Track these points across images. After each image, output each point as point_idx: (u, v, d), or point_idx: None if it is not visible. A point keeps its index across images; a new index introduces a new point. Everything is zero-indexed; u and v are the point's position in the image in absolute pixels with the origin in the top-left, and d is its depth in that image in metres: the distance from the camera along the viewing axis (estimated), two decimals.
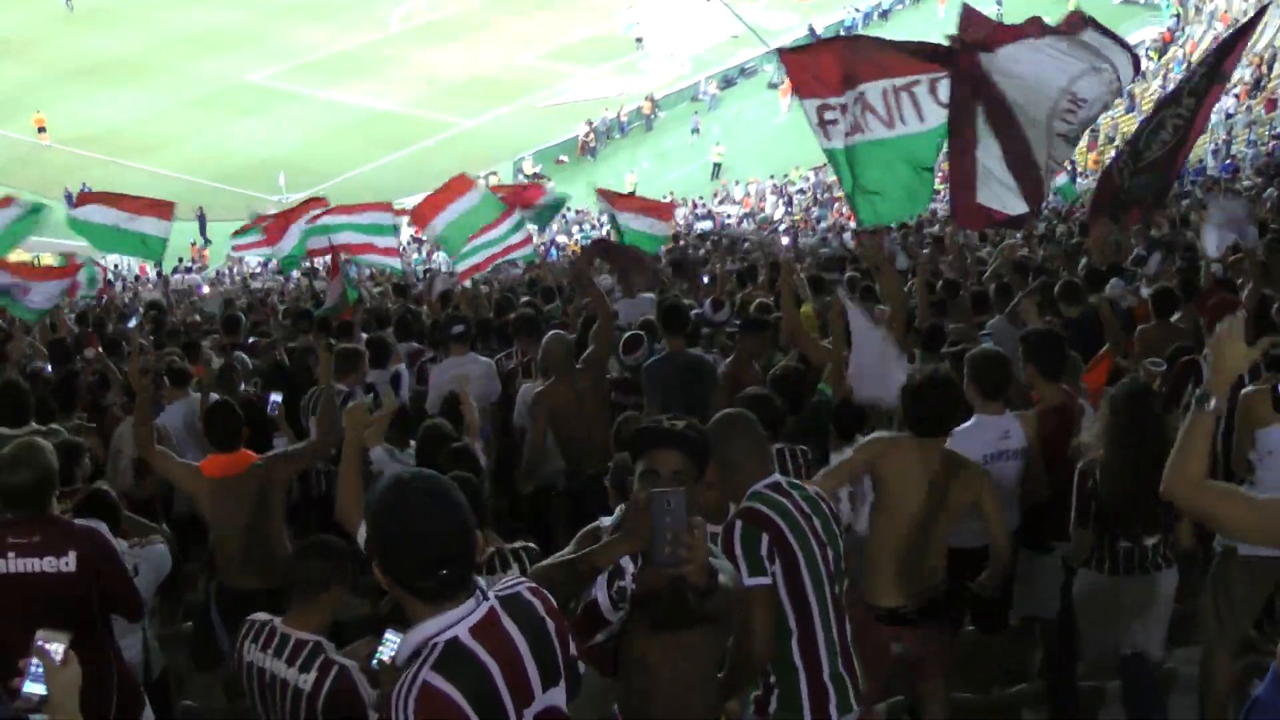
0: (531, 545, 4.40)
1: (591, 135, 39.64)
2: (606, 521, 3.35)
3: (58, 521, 4.15)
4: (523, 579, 2.63)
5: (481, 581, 2.42)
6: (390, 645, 3.26)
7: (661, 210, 13.45)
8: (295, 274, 17.61)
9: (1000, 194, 5.98)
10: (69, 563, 4.04)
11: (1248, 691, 3.26)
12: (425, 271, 21.07)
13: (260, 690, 3.65)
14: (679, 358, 6.99)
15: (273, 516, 5.38)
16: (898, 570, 4.23)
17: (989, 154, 5.92)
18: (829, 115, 6.16)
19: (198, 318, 16.06)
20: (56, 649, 2.26)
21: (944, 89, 5.90)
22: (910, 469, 4.26)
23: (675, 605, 2.75)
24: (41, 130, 38.10)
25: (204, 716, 5.32)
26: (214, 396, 6.83)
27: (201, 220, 32.77)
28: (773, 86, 41.17)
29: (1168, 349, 6.56)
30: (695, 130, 40.20)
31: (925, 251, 13.80)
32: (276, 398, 6.87)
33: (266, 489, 5.33)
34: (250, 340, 11.15)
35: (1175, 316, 7.69)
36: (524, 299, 12.76)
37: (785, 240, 21.21)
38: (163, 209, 11.68)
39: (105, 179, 30.00)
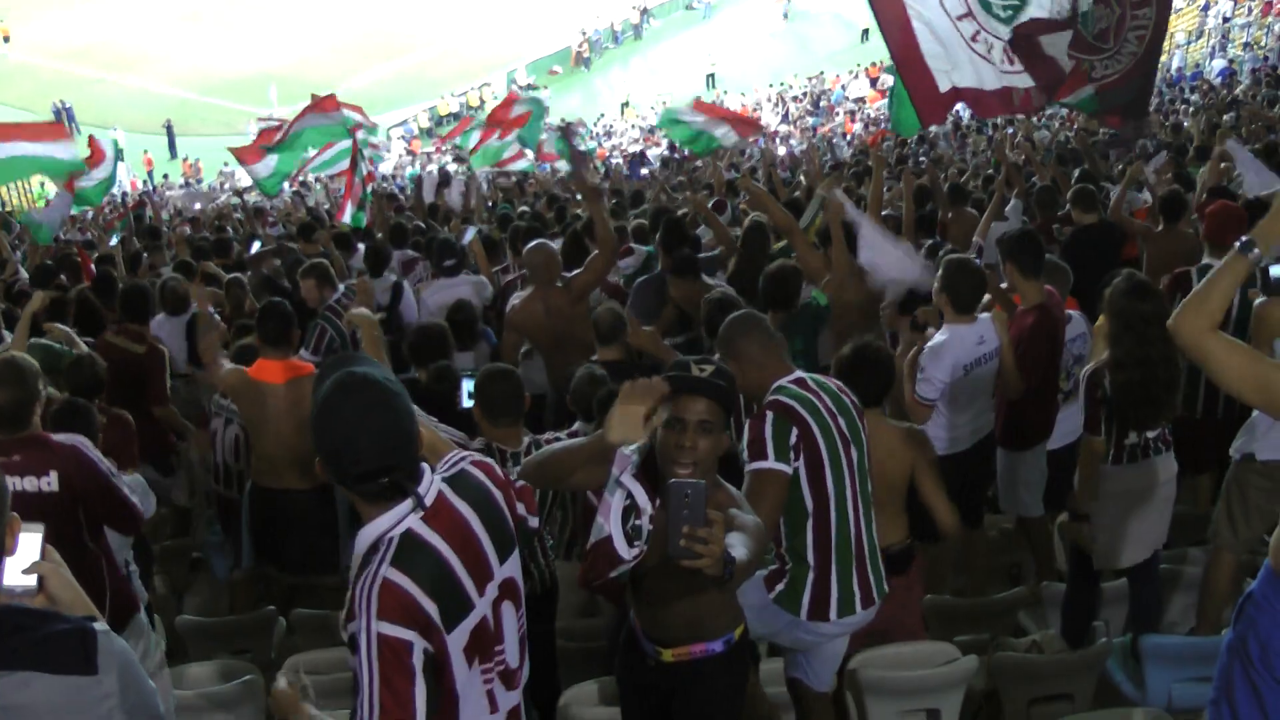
0: (548, 438, 4.33)
1: (585, 45, 39.07)
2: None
3: (38, 440, 4.04)
4: (466, 453, 2.63)
5: (426, 476, 2.42)
6: None
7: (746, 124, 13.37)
8: (286, 187, 17.41)
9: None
10: (50, 482, 3.96)
11: (1242, 588, 3.26)
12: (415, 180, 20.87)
13: None
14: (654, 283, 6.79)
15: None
16: None
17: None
18: None
19: (187, 230, 15.89)
20: (34, 538, 2.23)
21: None
22: None
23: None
24: (5, 40, 37.52)
25: (205, 628, 5.34)
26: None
27: (170, 134, 32.44)
28: None
29: (1173, 258, 6.51)
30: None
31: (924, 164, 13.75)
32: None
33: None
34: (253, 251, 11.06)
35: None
36: (522, 209, 12.69)
37: (782, 150, 21.05)
38: (56, 131, 11.56)
39: (91, 96, 29.63)
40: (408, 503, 2.36)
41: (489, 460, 2.62)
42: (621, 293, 7.19)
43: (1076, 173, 9.84)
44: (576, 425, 4.75)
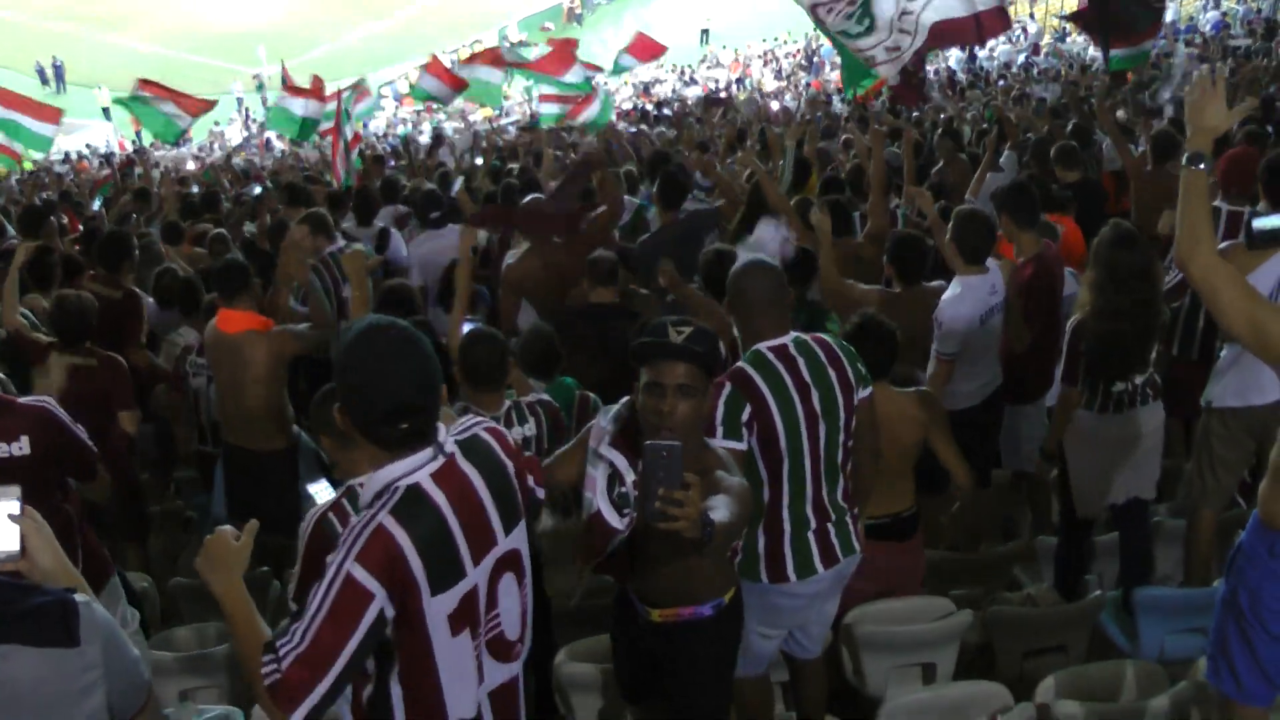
0: (547, 399, 4.32)
1: (578, 1, 38.73)
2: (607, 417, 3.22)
3: (5, 405, 4.02)
4: (479, 419, 2.60)
5: (442, 429, 2.39)
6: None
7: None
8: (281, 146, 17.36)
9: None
10: (22, 446, 3.94)
11: (1233, 541, 3.26)
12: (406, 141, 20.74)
13: None
14: (672, 230, 6.72)
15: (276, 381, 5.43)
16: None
17: None
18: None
19: (178, 188, 15.77)
20: (11, 503, 2.21)
21: None
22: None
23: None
24: None
25: (197, 589, 5.32)
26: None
27: None
28: None
29: (1163, 199, 6.43)
30: None
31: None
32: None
33: (268, 361, 5.36)
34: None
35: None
36: (510, 166, 12.59)
37: (776, 105, 20.88)
38: (49, 113, 11.77)
39: (76, 55, 29.32)
40: (424, 454, 2.32)
41: (501, 428, 2.59)
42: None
43: (1070, 125, 9.78)
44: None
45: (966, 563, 4.99)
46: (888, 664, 4.05)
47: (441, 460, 2.35)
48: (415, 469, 2.31)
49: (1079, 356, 4.51)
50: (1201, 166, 2.89)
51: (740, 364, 3.55)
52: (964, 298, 5.00)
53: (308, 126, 13.29)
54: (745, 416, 3.43)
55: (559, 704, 4.10)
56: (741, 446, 3.43)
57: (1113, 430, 4.59)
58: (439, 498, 2.31)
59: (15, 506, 2.19)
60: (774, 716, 3.89)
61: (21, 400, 4.10)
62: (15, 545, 2.18)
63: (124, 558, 5.91)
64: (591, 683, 3.88)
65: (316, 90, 13.29)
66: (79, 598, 2.15)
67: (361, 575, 2.18)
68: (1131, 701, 3.64)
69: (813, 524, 3.57)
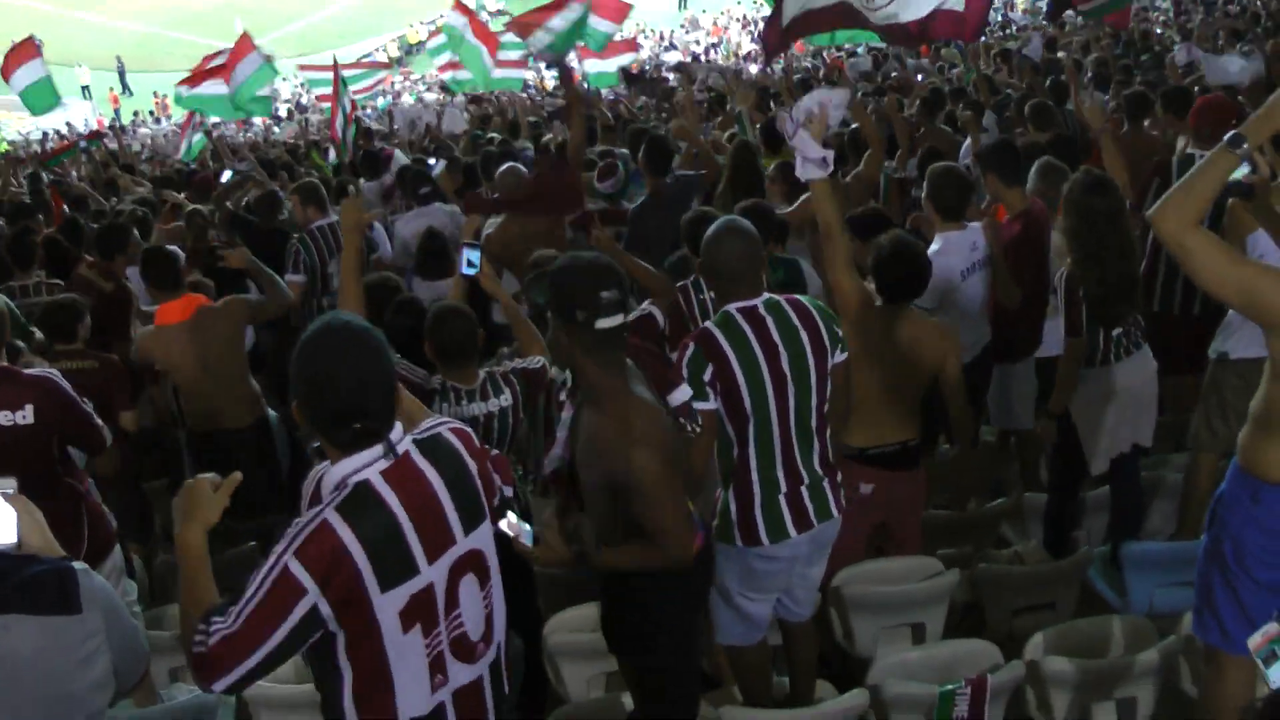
0: (526, 365, 4.29)
1: None
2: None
3: (9, 374, 4.08)
4: (444, 420, 2.57)
5: (398, 430, 2.38)
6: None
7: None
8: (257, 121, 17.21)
9: None
10: (26, 415, 4.00)
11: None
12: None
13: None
14: (663, 196, 6.66)
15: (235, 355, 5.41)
16: (869, 417, 4.17)
17: None
18: None
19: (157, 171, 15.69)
20: (6, 488, 2.20)
21: None
22: (882, 333, 4.15)
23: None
24: None
25: None
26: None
27: (120, 70, 31.88)
28: None
29: (1138, 158, 6.41)
30: None
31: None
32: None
33: (225, 331, 5.35)
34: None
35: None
36: (490, 135, 12.52)
37: (754, 69, 20.79)
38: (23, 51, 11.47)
39: (52, 34, 29.04)
40: (375, 450, 2.31)
41: (467, 429, 2.56)
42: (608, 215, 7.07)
43: (1049, 81, 9.75)
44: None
45: (955, 521, 4.99)
46: (877, 625, 4.05)
47: (394, 458, 2.33)
48: (365, 465, 2.30)
49: (1079, 305, 4.49)
50: (1239, 151, 2.76)
51: (706, 324, 3.57)
52: (945, 251, 5.00)
53: (243, 94, 12.85)
54: (708, 376, 3.43)
55: (549, 673, 4.10)
56: (710, 406, 3.45)
57: (1117, 379, 4.60)
58: (389, 495, 2.29)
59: (11, 486, 2.19)
60: (770, 680, 3.89)
61: (27, 371, 4.17)
62: (13, 539, 2.16)
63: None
64: (580, 651, 3.88)
65: (240, 52, 12.67)
66: (76, 565, 2.15)
67: (297, 569, 2.17)
68: (1120, 656, 3.65)
69: (784, 487, 3.55)
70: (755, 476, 3.54)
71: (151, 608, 4.82)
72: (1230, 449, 4.71)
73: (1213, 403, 4.73)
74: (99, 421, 4.28)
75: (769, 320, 3.50)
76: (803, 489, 3.57)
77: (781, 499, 3.55)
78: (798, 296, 3.68)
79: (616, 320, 2.90)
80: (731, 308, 3.53)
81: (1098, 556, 4.57)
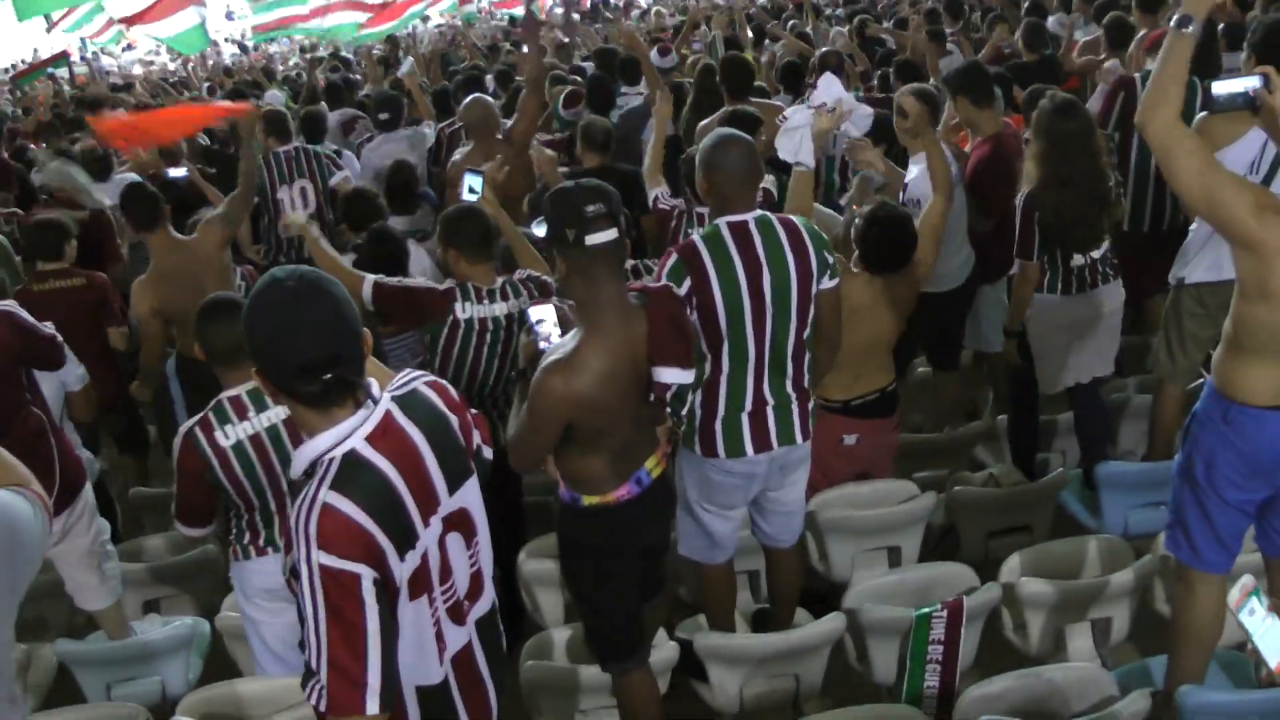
0: (539, 275, 4.27)
1: None
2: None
3: None
4: (418, 373, 2.39)
5: (374, 384, 2.21)
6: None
7: None
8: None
9: None
10: None
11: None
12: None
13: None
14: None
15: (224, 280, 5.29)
16: (851, 371, 4.14)
17: None
18: None
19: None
20: None
21: None
22: (867, 299, 4.12)
23: None
24: None
25: (158, 499, 5.26)
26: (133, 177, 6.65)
27: None
28: None
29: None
30: None
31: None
32: (180, 172, 6.80)
33: (213, 247, 5.26)
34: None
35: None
36: (465, 63, 12.30)
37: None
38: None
39: None
40: (354, 419, 2.12)
41: (442, 381, 2.39)
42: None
43: (1026, 4, 9.61)
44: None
45: (929, 444, 4.99)
46: (853, 549, 4.06)
47: (379, 417, 2.16)
48: (347, 435, 2.11)
49: (1033, 229, 4.45)
50: (1189, 30, 2.84)
51: (693, 237, 3.52)
52: (924, 175, 4.90)
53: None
54: (684, 288, 3.39)
55: (525, 600, 4.10)
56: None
57: (1076, 311, 4.55)
58: (380, 461, 2.11)
59: None
60: (733, 605, 3.89)
61: None
62: None
63: (124, 468, 5.92)
64: (555, 579, 3.86)
65: None
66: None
67: (334, 561, 1.99)
68: (1096, 577, 3.67)
69: (749, 407, 3.52)
70: (723, 391, 3.51)
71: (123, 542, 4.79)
72: (1190, 379, 4.74)
73: (1172, 330, 4.69)
74: (60, 339, 4.25)
75: (757, 238, 3.45)
76: (768, 409, 3.54)
77: (744, 417, 3.52)
78: (791, 217, 3.61)
79: (607, 236, 2.88)
80: (721, 221, 3.47)
81: (1072, 478, 4.58)
